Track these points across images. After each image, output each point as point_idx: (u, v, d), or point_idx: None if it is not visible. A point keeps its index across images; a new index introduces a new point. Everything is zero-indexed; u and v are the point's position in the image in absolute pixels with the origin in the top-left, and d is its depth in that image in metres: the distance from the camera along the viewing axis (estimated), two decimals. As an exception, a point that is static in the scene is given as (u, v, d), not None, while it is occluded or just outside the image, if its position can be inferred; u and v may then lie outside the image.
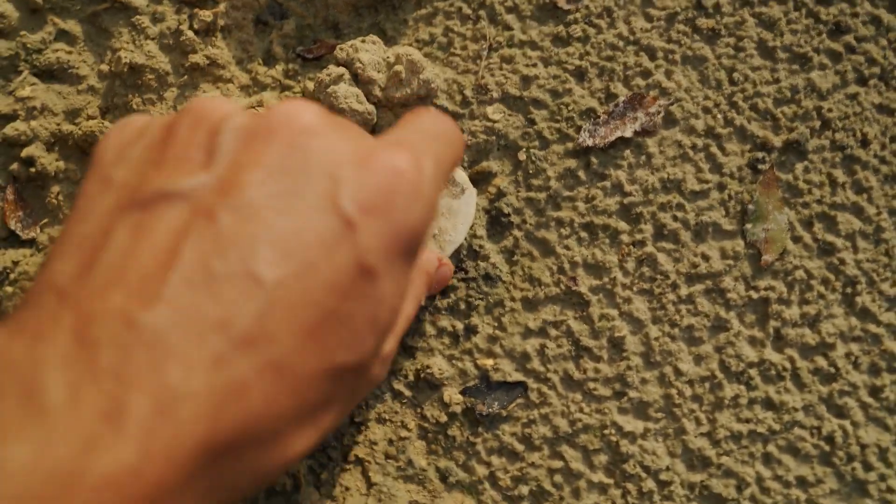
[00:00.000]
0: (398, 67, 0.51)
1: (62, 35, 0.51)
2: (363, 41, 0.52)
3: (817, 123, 0.50)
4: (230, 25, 0.53)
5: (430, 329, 0.49)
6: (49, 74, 0.50)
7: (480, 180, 0.51)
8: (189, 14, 0.52)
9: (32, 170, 0.49)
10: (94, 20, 0.51)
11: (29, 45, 0.50)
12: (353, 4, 0.55)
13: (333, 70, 0.50)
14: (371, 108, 0.50)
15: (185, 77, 0.52)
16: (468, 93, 0.52)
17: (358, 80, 0.51)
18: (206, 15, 0.52)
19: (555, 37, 0.53)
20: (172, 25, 0.51)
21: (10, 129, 0.49)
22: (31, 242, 0.49)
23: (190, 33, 0.51)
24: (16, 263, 0.49)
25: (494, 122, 0.52)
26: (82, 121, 0.50)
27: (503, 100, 0.52)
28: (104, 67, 0.51)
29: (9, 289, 0.48)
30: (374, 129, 0.52)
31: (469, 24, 0.54)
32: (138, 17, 0.51)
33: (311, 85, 0.52)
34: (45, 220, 0.50)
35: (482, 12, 0.54)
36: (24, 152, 0.49)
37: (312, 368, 0.25)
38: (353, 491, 0.46)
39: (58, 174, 0.49)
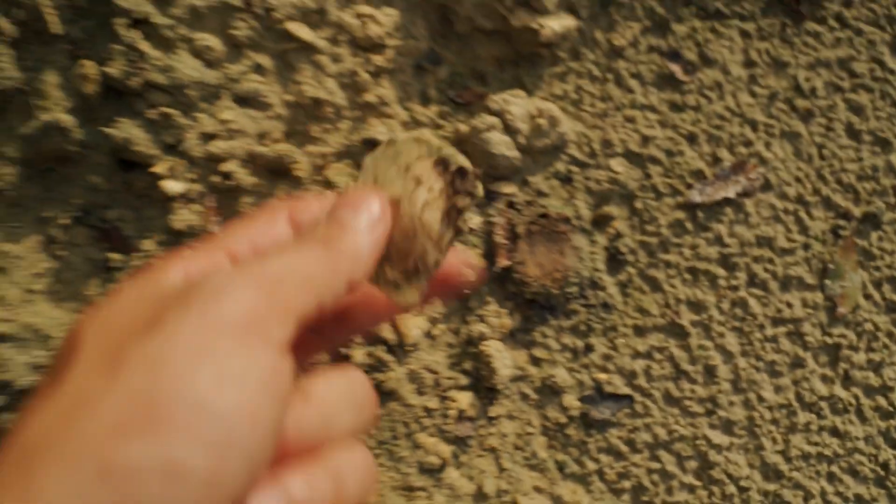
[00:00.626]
0: (540, 121, 0.59)
1: (257, 68, 0.58)
2: (512, 95, 0.60)
3: (893, 199, 0.58)
4: (394, 69, 0.60)
5: (555, 344, 0.58)
6: (244, 101, 0.57)
7: (601, 222, 0.60)
8: (364, 58, 0.59)
9: (229, 182, 0.56)
10: (283, 57, 0.58)
11: (230, 75, 0.57)
12: (499, 59, 0.62)
13: (487, 119, 0.58)
14: (519, 154, 0.58)
15: (358, 112, 0.59)
16: (595, 146, 0.60)
17: (506, 128, 0.59)
18: (378, 59, 0.59)
19: (671, 103, 0.61)
20: (349, 67, 0.59)
21: (213, 147, 0.56)
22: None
23: (366, 75, 0.58)
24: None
25: (617, 173, 0.60)
26: (270, 143, 0.58)
27: (625, 154, 0.60)
28: (289, 97, 0.58)
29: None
30: (518, 171, 0.60)
31: (597, 84, 0.62)
32: (321, 56, 0.59)
33: (462, 127, 0.60)
34: (234, 227, 0.57)
35: (609, 75, 0.62)
36: (223, 167, 0.56)
37: None
38: (487, 473, 0.55)
39: (249, 188, 0.57)
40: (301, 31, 0.57)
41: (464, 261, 0.34)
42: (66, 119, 0.54)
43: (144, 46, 0.54)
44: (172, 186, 0.55)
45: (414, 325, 0.56)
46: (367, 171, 0.33)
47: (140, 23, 0.54)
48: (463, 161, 0.32)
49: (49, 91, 0.55)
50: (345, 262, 0.28)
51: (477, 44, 0.61)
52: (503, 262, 0.57)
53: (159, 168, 0.55)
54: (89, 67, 0.54)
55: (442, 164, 0.32)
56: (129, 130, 0.54)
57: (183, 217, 0.56)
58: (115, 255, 0.56)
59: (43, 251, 0.56)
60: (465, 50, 0.62)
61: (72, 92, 0.55)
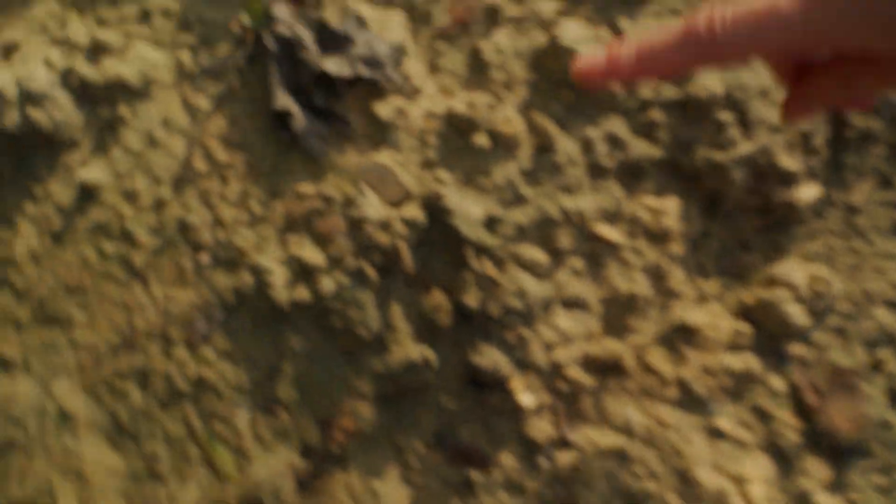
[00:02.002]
0: (819, 286, 0.65)
1: (574, 272, 0.61)
2: (790, 265, 0.65)
3: None
4: (680, 253, 0.65)
5: (866, 485, 0.63)
6: (569, 305, 0.60)
7: (877, 366, 0.66)
8: (660, 247, 0.63)
9: (572, 386, 0.59)
10: (593, 257, 0.62)
11: (557, 284, 0.60)
12: (756, 227, 0.68)
13: (780, 293, 0.63)
14: (808, 318, 0.64)
15: (662, 297, 0.63)
16: (858, 298, 0.67)
17: (796, 297, 0.64)
18: (671, 246, 0.63)
19: (909, 250, 0.68)
20: (652, 259, 0.63)
21: (555, 355, 0.58)
22: (568, 444, 0.59)
23: (665, 262, 0.62)
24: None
25: (881, 321, 0.66)
26: (596, 341, 0.61)
27: (884, 302, 0.67)
28: (602, 294, 0.62)
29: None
30: (802, 331, 0.65)
31: (843, 239, 0.68)
32: (624, 252, 0.62)
33: (747, 298, 0.65)
34: (579, 424, 0.60)
35: (851, 230, 0.68)
36: (566, 372, 0.59)
37: None
38: None
39: (589, 388, 0.59)
40: (606, 230, 0.61)
41: None
42: (422, 351, 0.56)
43: (493, 272, 0.56)
44: (527, 399, 0.57)
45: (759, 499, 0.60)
46: None
47: (483, 251, 0.57)
48: None
49: (400, 326, 0.56)
50: None
51: (740, 218, 0.67)
52: (818, 420, 0.62)
53: (515, 384, 0.57)
54: (440, 298, 0.56)
55: None
56: (489, 354, 0.56)
57: (537, 426, 0.58)
58: (474, 473, 0.57)
59: (403, 481, 0.57)
60: (729, 224, 0.67)
61: (422, 323, 0.57)
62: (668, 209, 0.63)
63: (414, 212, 0.55)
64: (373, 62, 0.54)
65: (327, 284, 0.54)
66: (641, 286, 0.62)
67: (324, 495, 0.55)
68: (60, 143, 0.61)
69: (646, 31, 0.45)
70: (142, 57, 0.61)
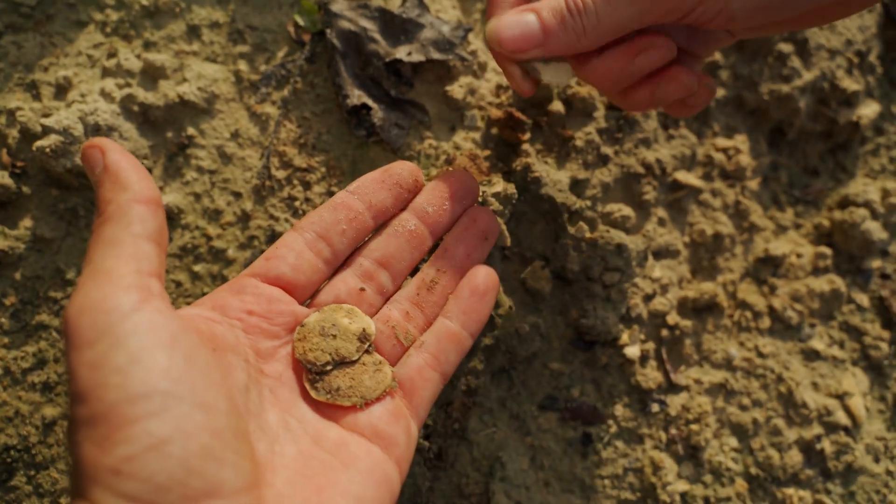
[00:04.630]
0: (893, 199, 0.65)
1: (660, 222, 0.60)
2: (864, 184, 0.65)
3: None
4: (754, 187, 0.64)
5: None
6: (659, 254, 0.60)
7: (953, 267, 0.66)
8: (739, 185, 0.63)
9: (674, 332, 0.59)
10: (675, 205, 0.61)
11: (647, 235, 0.59)
12: (821, 152, 0.67)
13: (857, 211, 0.63)
14: (885, 233, 0.64)
15: (746, 234, 0.63)
16: (926, 204, 0.67)
17: (873, 214, 0.64)
18: (747, 183, 0.63)
19: (969, 150, 0.68)
20: (731, 198, 0.62)
21: (654, 305, 0.58)
22: (676, 387, 0.59)
23: (744, 199, 0.62)
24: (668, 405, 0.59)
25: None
26: (688, 285, 0.61)
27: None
28: (687, 239, 0.61)
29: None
30: (882, 249, 0.65)
31: (903, 150, 0.68)
32: (704, 195, 0.62)
33: (825, 222, 0.65)
34: (682, 367, 0.60)
35: (909, 139, 0.68)
36: (668, 319, 0.59)
37: None
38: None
39: (688, 331, 0.59)
40: (686, 177, 0.60)
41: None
42: (530, 321, 0.56)
43: (589, 233, 0.56)
44: (633, 351, 0.58)
45: None
46: None
47: (575, 214, 0.56)
48: None
49: (505, 301, 0.56)
50: None
51: (805, 145, 0.66)
52: (910, 328, 0.62)
53: (623, 338, 0.58)
54: (538, 267, 0.56)
55: None
56: (593, 314, 0.56)
57: (645, 374, 0.58)
58: (590, 429, 0.58)
59: (523, 446, 0.58)
60: (794, 152, 0.66)
61: (526, 295, 0.57)
62: (740, 146, 0.62)
63: (506, 186, 0.55)
64: (442, 44, 0.53)
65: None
66: (724, 225, 0.62)
67: (451, 469, 0.55)
68: (132, 172, 0.60)
69: None
70: (199, 74, 0.60)
